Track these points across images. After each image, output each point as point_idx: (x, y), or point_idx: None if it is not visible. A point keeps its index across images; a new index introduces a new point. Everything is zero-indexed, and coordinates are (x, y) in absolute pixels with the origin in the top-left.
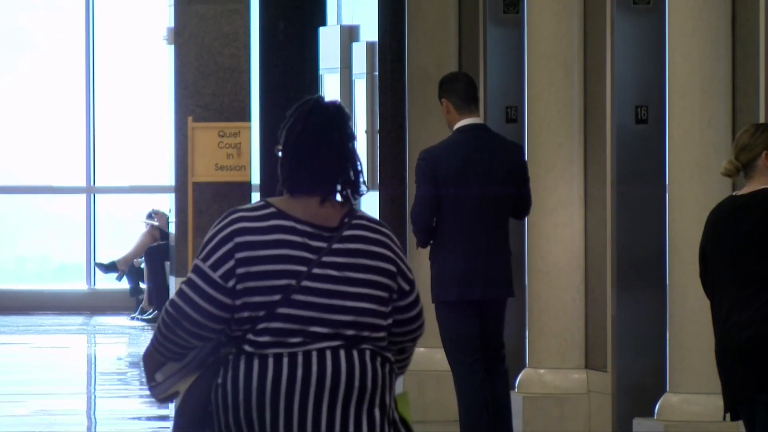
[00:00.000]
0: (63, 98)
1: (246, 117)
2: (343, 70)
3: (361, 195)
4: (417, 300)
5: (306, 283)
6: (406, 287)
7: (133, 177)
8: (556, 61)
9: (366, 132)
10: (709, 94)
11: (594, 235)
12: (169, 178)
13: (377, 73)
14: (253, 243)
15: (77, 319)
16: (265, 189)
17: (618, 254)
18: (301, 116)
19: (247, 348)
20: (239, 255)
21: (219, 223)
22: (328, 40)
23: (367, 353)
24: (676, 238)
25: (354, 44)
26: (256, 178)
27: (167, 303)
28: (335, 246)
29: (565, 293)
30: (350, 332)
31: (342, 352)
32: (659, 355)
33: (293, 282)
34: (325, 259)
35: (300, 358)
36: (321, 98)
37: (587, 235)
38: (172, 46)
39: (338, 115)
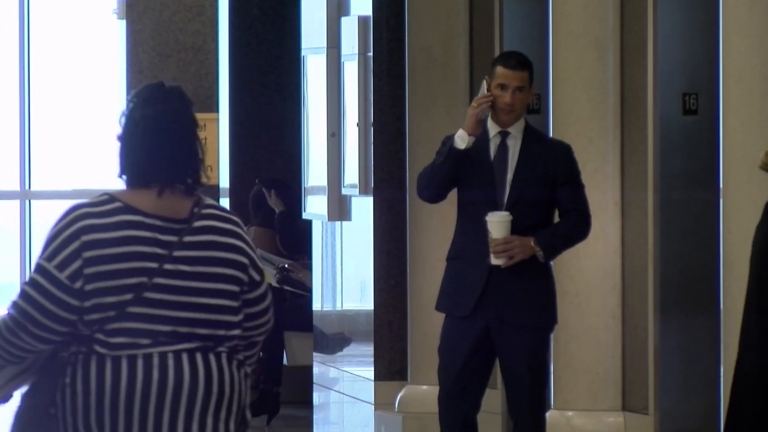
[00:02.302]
0: None
1: (213, 107)
2: (330, 50)
3: (202, 185)
4: (267, 292)
5: (158, 280)
6: (257, 277)
7: (76, 180)
8: (587, 39)
9: (358, 125)
10: None
11: (633, 248)
12: (119, 181)
13: (371, 54)
14: (101, 241)
15: None
16: (236, 193)
17: (662, 272)
18: (138, 103)
19: (98, 348)
20: (87, 254)
21: (62, 219)
22: (312, 13)
23: (224, 357)
24: (732, 253)
25: (343, 19)
26: (225, 181)
27: (9, 305)
28: (186, 239)
29: (597, 319)
30: (205, 331)
31: (199, 356)
32: (711, 394)
33: (145, 279)
34: (177, 253)
35: (156, 360)
36: (161, 84)
37: (624, 249)
38: (124, 21)
39: (178, 102)
